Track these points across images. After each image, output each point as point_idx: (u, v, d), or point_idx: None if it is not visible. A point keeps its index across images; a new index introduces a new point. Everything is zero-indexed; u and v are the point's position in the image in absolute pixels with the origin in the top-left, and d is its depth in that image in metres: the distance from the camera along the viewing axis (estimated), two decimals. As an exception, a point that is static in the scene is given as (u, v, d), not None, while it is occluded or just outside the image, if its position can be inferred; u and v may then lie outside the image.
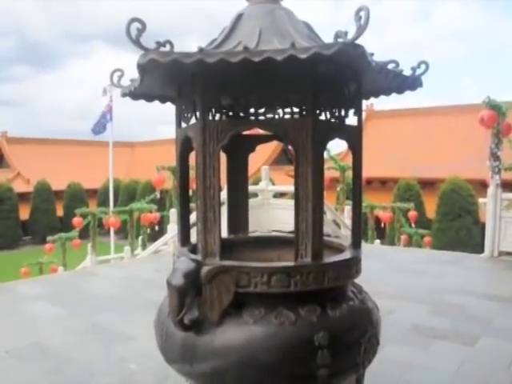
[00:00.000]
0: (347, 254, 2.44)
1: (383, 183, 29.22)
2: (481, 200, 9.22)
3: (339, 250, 2.62)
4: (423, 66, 2.47)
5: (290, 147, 2.26)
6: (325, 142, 2.24)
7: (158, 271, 6.78)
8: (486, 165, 8.75)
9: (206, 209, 2.27)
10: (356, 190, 2.59)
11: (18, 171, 38.71)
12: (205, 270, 2.14)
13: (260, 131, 2.59)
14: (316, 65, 2.02)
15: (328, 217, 12.04)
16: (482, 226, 20.42)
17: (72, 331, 4.80)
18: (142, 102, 2.81)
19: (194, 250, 2.54)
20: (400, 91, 2.57)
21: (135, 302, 5.79)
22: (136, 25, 1.94)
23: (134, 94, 2.65)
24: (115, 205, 24.32)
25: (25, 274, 15.67)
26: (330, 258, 2.33)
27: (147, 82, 2.35)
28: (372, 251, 9.23)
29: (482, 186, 22.11)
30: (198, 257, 2.33)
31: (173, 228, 10.08)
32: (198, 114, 2.32)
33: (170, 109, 2.82)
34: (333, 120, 2.34)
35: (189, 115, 2.44)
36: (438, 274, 7.25)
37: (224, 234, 2.64)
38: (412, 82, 2.46)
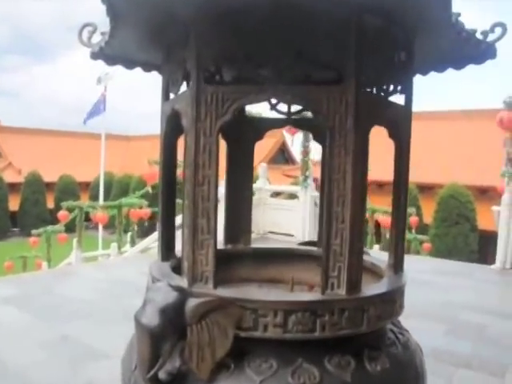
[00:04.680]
0: (390, 282, 1.77)
1: (380, 186, 28.62)
2: (494, 208, 8.60)
3: (373, 272, 1.97)
4: (498, 30, 1.81)
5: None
6: (370, 122, 1.57)
7: (144, 274, 6.11)
8: (491, 171, 8.16)
9: (196, 213, 1.58)
10: (400, 195, 1.90)
11: (9, 161, 37.87)
12: (192, 303, 1.46)
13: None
14: (364, 12, 1.37)
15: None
16: (480, 234, 20.07)
17: (37, 345, 4.12)
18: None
19: (178, 267, 1.85)
20: (462, 63, 1.91)
21: (115, 310, 5.10)
22: None
23: (108, 56, 1.99)
24: (108, 199, 23.70)
25: (8, 269, 14.92)
26: (370, 289, 1.66)
27: (123, 35, 1.69)
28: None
29: (481, 192, 21.74)
30: (183, 281, 1.65)
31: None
32: (190, 77, 1.63)
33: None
34: (380, 94, 1.67)
35: (179, 81, 1.74)
36: (447, 286, 6.63)
37: (219, 244, 1.97)
38: (485, 50, 1.79)
